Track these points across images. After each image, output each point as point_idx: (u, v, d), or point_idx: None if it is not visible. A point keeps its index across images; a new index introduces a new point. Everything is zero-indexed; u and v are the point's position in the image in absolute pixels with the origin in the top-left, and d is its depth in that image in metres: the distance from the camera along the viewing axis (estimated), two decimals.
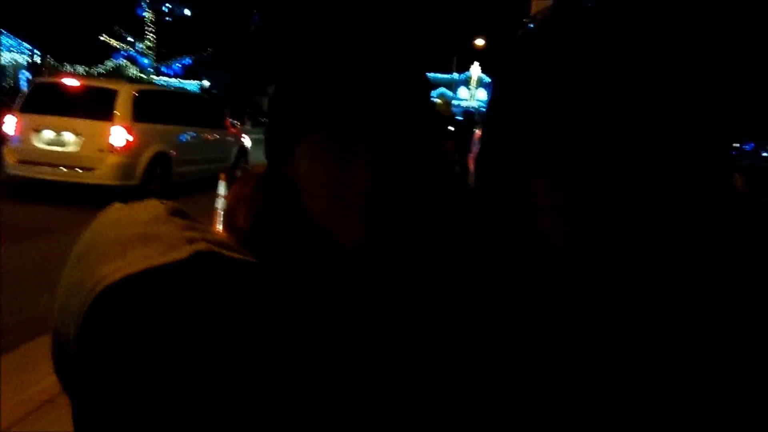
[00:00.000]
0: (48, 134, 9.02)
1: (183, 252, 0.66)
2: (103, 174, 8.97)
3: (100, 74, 29.09)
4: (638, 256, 0.64)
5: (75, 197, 8.54)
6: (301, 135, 0.80)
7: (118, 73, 31.24)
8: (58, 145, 9.00)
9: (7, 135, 9.13)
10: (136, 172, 9.28)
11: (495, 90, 0.76)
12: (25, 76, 27.16)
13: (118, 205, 0.76)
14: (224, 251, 0.70)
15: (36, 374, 3.58)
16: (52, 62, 27.68)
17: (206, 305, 0.67)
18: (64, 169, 8.93)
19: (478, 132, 7.34)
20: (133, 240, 0.68)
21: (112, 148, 8.98)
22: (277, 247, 0.83)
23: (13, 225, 6.90)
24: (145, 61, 30.07)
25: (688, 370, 0.65)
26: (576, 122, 0.64)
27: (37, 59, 29.06)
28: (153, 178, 9.63)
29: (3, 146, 9.16)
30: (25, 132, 9.07)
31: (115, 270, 0.64)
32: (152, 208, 0.74)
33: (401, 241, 0.83)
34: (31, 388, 3.53)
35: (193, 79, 36.44)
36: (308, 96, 0.79)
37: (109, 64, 32.36)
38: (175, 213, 0.73)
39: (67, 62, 29.13)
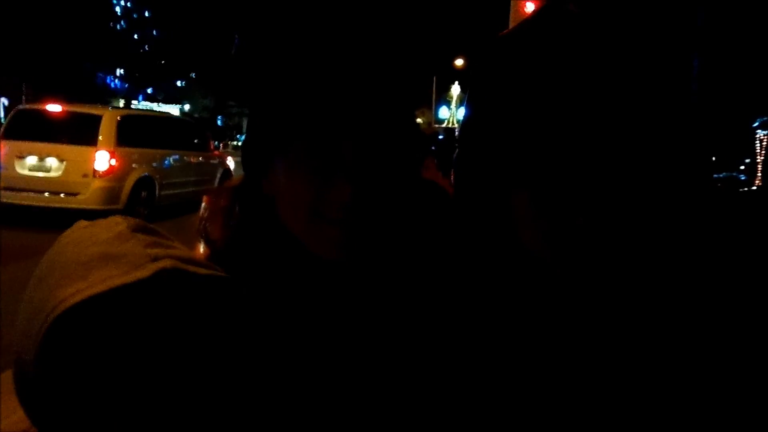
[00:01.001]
0: (31, 160, 8.98)
1: (146, 270, 0.65)
2: (88, 199, 8.94)
3: (79, 100, 28.98)
4: (615, 260, 0.66)
5: (64, 222, 8.49)
6: (278, 148, 0.80)
7: (96, 99, 31.20)
8: (41, 170, 8.96)
9: None
10: (121, 196, 9.26)
11: (469, 100, 0.78)
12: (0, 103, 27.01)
13: (81, 224, 0.74)
14: (191, 267, 0.68)
15: (12, 402, 3.48)
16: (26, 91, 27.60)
17: (170, 325, 0.66)
18: (49, 195, 8.88)
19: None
20: (95, 260, 0.66)
21: (95, 173, 8.97)
22: (253, 258, 0.83)
23: (2, 249, 6.86)
24: (122, 88, 30.06)
25: (661, 365, 0.66)
26: (551, 134, 0.65)
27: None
28: (138, 201, 9.62)
29: None
30: (7, 159, 9.03)
31: (75, 292, 0.63)
32: (114, 225, 0.72)
33: (378, 253, 0.83)
34: (9, 417, 3.42)
35: (174, 103, 36.42)
36: (287, 109, 0.79)
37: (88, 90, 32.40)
38: (139, 229, 0.72)
39: (45, 90, 29.07)
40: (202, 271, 0.69)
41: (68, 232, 0.73)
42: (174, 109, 32.14)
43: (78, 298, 0.62)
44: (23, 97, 23.36)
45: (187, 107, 35.91)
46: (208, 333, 0.68)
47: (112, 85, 31.13)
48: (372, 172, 0.77)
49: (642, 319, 0.67)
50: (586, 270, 0.67)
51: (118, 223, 0.73)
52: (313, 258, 0.80)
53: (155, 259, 0.66)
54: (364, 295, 0.82)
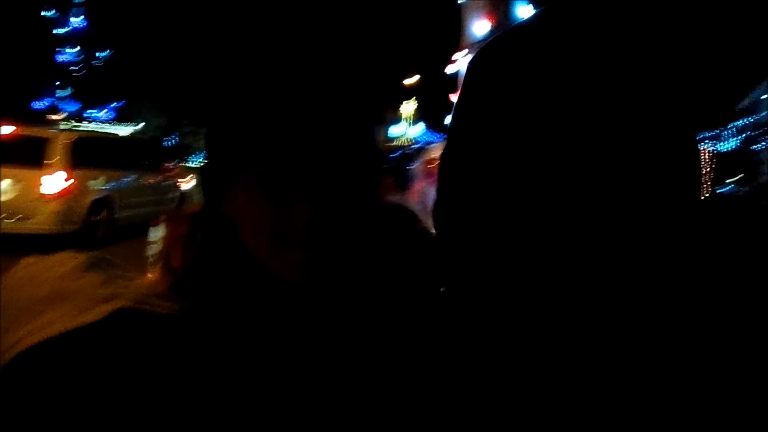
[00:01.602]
0: None
1: (99, 312, 0.61)
2: (43, 221, 8.80)
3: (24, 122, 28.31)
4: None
5: (19, 246, 8.37)
6: (237, 170, 0.78)
7: (43, 120, 30.50)
8: None
9: None
10: (77, 218, 9.15)
11: (459, 106, 0.73)
12: None
13: (31, 260, 0.70)
14: (147, 306, 0.65)
15: None
16: None
17: (126, 367, 0.62)
18: (3, 218, 8.73)
19: (416, 166, 7.45)
20: (46, 300, 0.63)
21: (50, 195, 8.86)
22: (216, 285, 0.80)
23: None
24: (71, 109, 29.45)
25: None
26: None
27: None
28: (96, 223, 9.52)
29: None
30: None
31: (26, 334, 0.60)
32: (67, 261, 0.68)
33: (343, 274, 0.81)
34: None
35: (126, 123, 35.80)
36: (245, 131, 0.77)
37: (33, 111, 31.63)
38: (95, 264, 0.68)
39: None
40: (161, 308, 0.66)
41: (17, 268, 0.69)
42: (126, 129, 31.61)
43: (27, 343, 0.58)
44: None
45: (139, 127, 35.35)
46: (168, 374, 0.65)
47: (60, 105, 30.52)
48: (334, 191, 0.76)
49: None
50: (570, 273, 0.63)
51: (72, 259, 0.69)
52: (278, 282, 0.78)
53: (111, 297, 0.63)
54: (329, 319, 0.81)
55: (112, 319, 0.61)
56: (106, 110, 32.18)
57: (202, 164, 0.86)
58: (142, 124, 36.24)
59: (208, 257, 0.83)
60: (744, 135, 16.98)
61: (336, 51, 0.82)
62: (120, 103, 32.97)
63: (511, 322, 0.68)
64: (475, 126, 0.68)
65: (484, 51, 0.71)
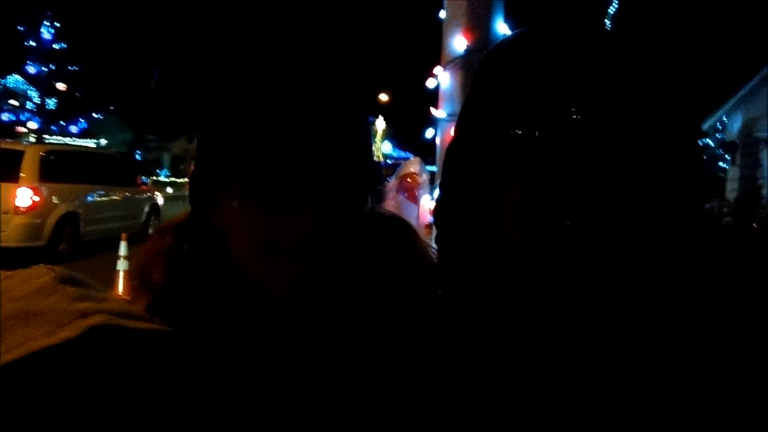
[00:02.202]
0: None
1: (73, 329, 0.57)
2: (9, 236, 8.57)
3: None
4: (597, 267, 0.64)
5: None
6: (230, 178, 0.74)
7: (6, 134, 29.94)
8: None
9: None
10: (44, 233, 8.94)
11: (472, 91, 0.74)
12: None
13: (1, 275, 0.65)
14: (127, 322, 0.61)
15: None
16: None
17: (103, 388, 0.59)
18: None
19: (390, 183, 7.47)
20: (12, 318, 0.58)
21: (17, 210, 8.64)
22: (201, 300, 0.77)
23: None
24: (34, 125, 28.98)
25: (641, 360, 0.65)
26: (550, 133, 0.63)
27: None
28: (61, 238, 9.31)
29: None
30: None
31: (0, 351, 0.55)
32: (36, 276, 0.64)
33: (338, 291, 0.78)
34: None
35: (90, 137, 35.33)
36: (241, 136, 0.74)
37: None
38: (66, 280, 0.64)
39: None
40: (140, 325, 0.62)
41: None
42: (90, 144, 31.16)
43: (2, 360, 0.54)
44: None
45: (103, 141, 34.89)
46: (148, 393, 0.61)
47: (23, 118, 29.99)
48: (332, 202, 0.73)
49: (623, 327, 0.65)
50: (567, 274, 0.64)
51: (41, 275, 0.64)
52: (268, 297, 0.75)
53: (85, 314, 0.59)
54: (321, 335, 0.77)
55: (87, 336, 0.57)
56: (72, 125, 31.68)
57: (193, 172, 0.82)
58: (105, 140, 35.88)
59: (193, 271, 0.79)
60: (709, 154, 17.40)
61: (328, 56, 0.79)
62: (85, 117, 32.56)
63: (510, 324, 0.69)
64: (485, 119, 0.69)
65: (496, 53, 0.73)
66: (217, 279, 0.77)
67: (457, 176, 0.74)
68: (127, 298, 0.83)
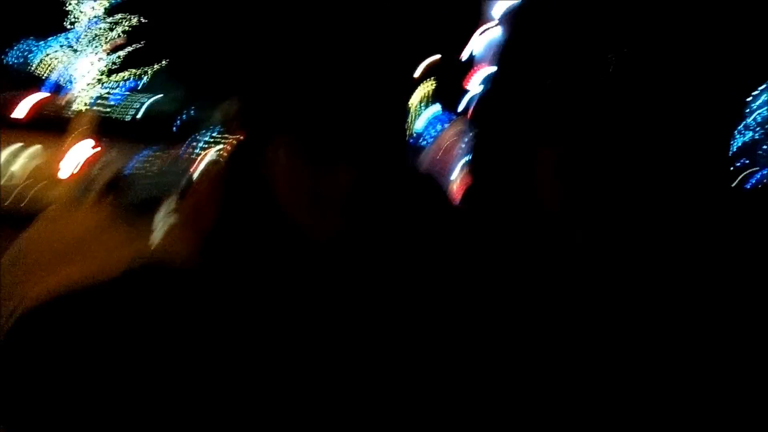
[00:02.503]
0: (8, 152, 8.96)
1: (118, 268, 0.63)
2: (63, 193, 8.95)
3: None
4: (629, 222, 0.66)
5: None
6: (278, 133, 0.79)
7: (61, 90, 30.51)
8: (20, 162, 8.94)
9: None
10: (98, 190, 9.26)
11: (503, 56, 0.76)
12: None
13: (52, 214, 0.71)
14: (168, 260, 0.67)
15: None
16: None
17: (144, 321, 0.64)
18: (27, 186, 8.87)
19: (433, 145, 7.34)
20: (64, 254, 0.65)
21: (73, 166, 8.96)
22: (244, 244, 0.81)
23: None
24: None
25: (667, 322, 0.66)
26: (583, 97, 0.65)
27: None
28: (116, 195, 9.61)
29: None
30: None
31: (47, 288, 0.61)
32: (88, 218, 0.70)
33: (375, 242, 0.82)
34: None
35: (142, 94, 35.65)
36: (288, 96, 0.78)
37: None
38: (114, 223, 0.71)
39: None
40: (181, 263, 0.68)
41: (39, 220, 0.71)
42: (142, 100, 31.48)
43: (44, 296, 0.60)
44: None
45: (156, 99, 35.24)
46: (185, 328, 0.66)
47: (75, 76, 30.42)
48: (374, 159, 0.78)
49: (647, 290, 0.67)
50: (602, 234, 0.66)
51: (94, 214, 0.72)
52: (310, 244, 0.79)
53: (131, 254, 0.65)
54: (361, 284, 0.81)
55: (130, 272, 0.63)
56: (125, 81, 32.14)
57: (239, 131, 0.86)
58: (159, 96, 36.10)
59: (238, 215, 0.83)
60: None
61: (377, 21, 0.84)
62: (136, 79, 32.70)
63: (535, 236, 0.72)
64: (518, 74, 0.72)
65: (525, 8, 0.75)
66: (261, 223, 0.82)
67: (491, 132, 0.78)
68: (178, 244, 0.88)
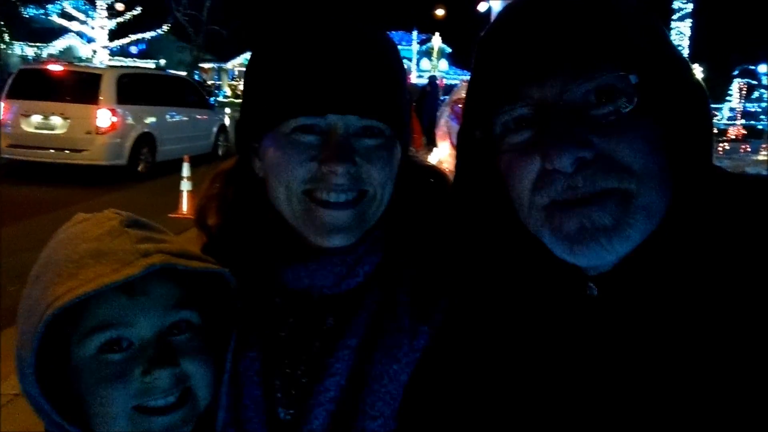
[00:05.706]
0: (36, 119, 9.20)
1: (136, 267, 0.65)
2: (93, 155, 9.21)
3: (51, 55, 28.43)
4: None
5: (68, 177, 8.88)
6: (270, 127, 0.77)
7: (69, 54, 30.54)
8: (47, 128, 9.19)
9: None
10: (124, 152, 9.50)
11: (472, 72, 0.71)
12: None
13: (78, 218, 0.74)
14: (182, 261, 0.68)
15: (6, 366, 2.99)
16: None
17: (161, 318, 0.69)
18: (54, 152, 9.16)
19: (443, 108, 7.30)
20: (85, 257, 0.67)
21: (98, 130, 9.19)
22: (245, 245, 0.82)
23: (11, 204, 6.98)
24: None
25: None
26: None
27: None
28: (139, 158, 9.89)
29: None
30: (13, 117, 9.25)
31: (67, 291, 0.63)
32: (106, 220, 0.72)
33: (373, 237, 0.83)
34: (9, 377, 3.14)
35: (149, 59, 35.60)
36: (280, 86, 0.75)
37: (59, 44, 31.51)
38: (131, 224, 0.72)
39: (15, 41, 28.21)
40: (194, 264, 0.70)
41: (65, 226, 0.73)
42: (150, 64, 31.49)
43: (69, 297, 0.62)
44: None
45: (162, 62, 35.20)
46: (199, 326, 0.72)
47: (85, 39, 30.35)
48: (367, 153, 0.76)
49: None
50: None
51: (110, 219, 0.72)
52: (305, 243, 0.79)
53: (145, 254, 0.67)
54: (359, 283, 0.82)
55: (147, 273, 0.66)
56: (131, 45, 32.07)
57: (237, 121, 0.85)
58: (164, 60, 36.00)
59: (239, 216, 0.84)
60: None
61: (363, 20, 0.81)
62: (142, 42, 32.58)
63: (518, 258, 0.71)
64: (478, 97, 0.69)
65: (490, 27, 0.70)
66: (259, 224, 0.82)
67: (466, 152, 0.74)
68: (191, 216, 0.91)
